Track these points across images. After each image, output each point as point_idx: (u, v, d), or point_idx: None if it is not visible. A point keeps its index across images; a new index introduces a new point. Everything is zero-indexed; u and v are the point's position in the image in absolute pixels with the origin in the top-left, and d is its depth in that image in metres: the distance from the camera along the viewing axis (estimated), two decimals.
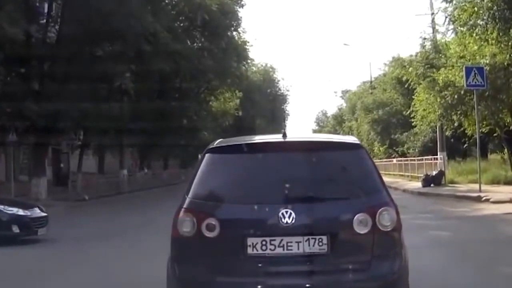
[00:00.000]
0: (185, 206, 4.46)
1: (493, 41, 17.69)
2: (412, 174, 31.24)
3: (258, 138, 5.29)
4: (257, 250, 4.28)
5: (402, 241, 4.50)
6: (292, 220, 4.24)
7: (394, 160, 40.45)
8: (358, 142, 4.99)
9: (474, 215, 13.91)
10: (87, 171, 32.13)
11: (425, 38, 25.85)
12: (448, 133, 28.19)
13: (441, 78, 21.90)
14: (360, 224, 4.30)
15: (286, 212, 4.25)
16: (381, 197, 4.46)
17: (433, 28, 26.16)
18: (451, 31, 21.30)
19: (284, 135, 4.73)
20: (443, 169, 24.73)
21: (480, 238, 9.94)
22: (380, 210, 4.35)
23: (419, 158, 31.54)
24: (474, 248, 8.95)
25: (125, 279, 7.37)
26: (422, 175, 25.23)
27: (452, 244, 9.50)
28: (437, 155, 27.14)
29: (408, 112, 29.70)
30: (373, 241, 4.32)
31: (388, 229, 4.36)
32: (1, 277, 7.80)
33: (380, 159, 49.05)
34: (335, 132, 72.61)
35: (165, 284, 4.57)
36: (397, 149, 45.02)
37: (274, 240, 4.27)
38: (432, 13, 26.94)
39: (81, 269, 8.32)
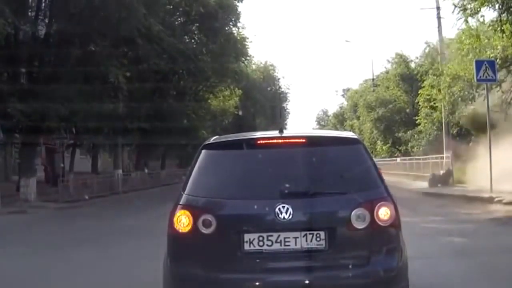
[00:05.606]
0: (181, 202, 4.44)
1: (508, 33, 16.62)
2: (417, 173, 30.20)
3: (254, 134, 5.21)
4: (254, 246, 4.24)
5: (401, 236, 4.47)
6: (289, 215, 4.21)
7: (398, 159, 39.48)
8: (356, 137, 4.92)
9: (489, 218, 12.92)
10: (82, 171, 31.24)
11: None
12: (454, 131, 27.34)
13: (449, 72, 20.93)
14: (358, 219, 4.27)
15: (283, 207, 4.22)
16: (379, 192, 4.41)
17: (439, 18, 25.18)
18: (460, 22, 20.20)
19: (281, 131, 4.71)
20: (450, 168, 23.71)
21: (502, 246, 8.94)
22: (378, 205, 4.31)
23: (425, 157, 30.48)
24: (498, 258, 7.88)
25: None
26: (428, 174, 24.27)
27: (472, 253, 8.43)
28: (441, 153, 26.08)
29: (416, 104, 28.83)
30: (371, 236, 4.29)
31: (387, 224, 4.32)
32: None
33: (383, 158, 48.26)
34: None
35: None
36: (400, 148, 44.25)
37: (271, 236, 4.23)
38: (438, 8, 26.05)
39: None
